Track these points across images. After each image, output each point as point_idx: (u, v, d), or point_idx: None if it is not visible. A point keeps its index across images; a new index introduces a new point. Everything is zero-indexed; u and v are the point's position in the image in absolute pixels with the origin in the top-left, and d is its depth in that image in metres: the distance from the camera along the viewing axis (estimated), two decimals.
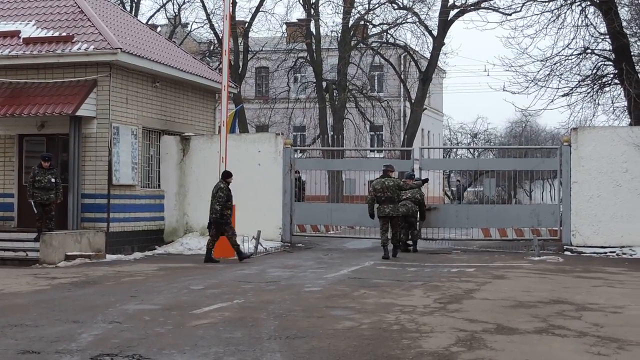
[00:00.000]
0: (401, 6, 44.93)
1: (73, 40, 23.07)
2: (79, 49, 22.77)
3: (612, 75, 28.81)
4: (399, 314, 12.17)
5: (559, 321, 11.56)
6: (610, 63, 28.52)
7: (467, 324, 11.25)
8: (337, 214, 26.58)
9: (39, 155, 22.31)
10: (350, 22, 45.85)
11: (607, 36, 27.98)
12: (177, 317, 11.96)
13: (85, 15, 24.10)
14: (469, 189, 61.98)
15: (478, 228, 25.60)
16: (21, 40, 23.52)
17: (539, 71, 28.25)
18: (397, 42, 47.14)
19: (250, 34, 49.81)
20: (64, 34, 23.40)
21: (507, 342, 10.15)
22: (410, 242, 23.93)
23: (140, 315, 12.15)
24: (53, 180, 21.55)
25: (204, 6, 49.45)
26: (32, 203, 21.66)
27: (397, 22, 45.65)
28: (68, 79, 23.00)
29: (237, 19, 47.86)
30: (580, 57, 28.63)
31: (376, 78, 58.45)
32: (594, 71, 29.05)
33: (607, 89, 29.54)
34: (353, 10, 45.50)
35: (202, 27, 52.95)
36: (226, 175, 21.75)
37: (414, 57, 47.63)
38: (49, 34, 23.56)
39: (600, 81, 29.12)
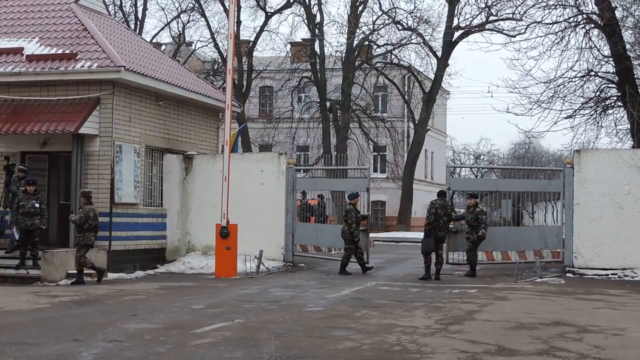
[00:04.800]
0: (405, 27, 45.12)
1: (76, 58, 23.08)
2: (82, 67, 22.79)
3: (615, 98, 28.86)
4: (401, 334, 12.14)
5: (560, 343, 11.52)
6: (614, 85, 28.57)
7: (469, 345, 11.22)
8: (321, 235, 26.39)
9: (24, 180, 21.71)
10: (355, 43, 46.07)
11: (611, 59, 28.07)
12: (178, 336, 11.92)
13: (88, 32, 24.12)
14: None
15: (482, 252, 25.27)
16: (24, 57, 23.52)
17: (542, 93, 28.39)
18: (401, 62, 47.32)
19: (255, 53, 50.02)
20: (67, 51, 23.41)
21: None
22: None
23: (141, 334, 12.11)
24: (37, 205, 21.00)
25: (208, 25, 49.70)
26: (14, 229, 21.27)
27: (402, 42, 45.86)
28: (71, 96, 22.98)
29: (241, 38, 48.04)
30: (584, 79, 28.71)
31: (380, 98, 58.45)
32: (597, 93, 29.10)
33: (610, 111, 29.62)
34: (357, 30, 45.72)
35: (207, 46, 53.21)
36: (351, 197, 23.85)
37: (418, 77, 47.80)
38: (53, 51, 23.55)
39: (603, 103, 29.16)
